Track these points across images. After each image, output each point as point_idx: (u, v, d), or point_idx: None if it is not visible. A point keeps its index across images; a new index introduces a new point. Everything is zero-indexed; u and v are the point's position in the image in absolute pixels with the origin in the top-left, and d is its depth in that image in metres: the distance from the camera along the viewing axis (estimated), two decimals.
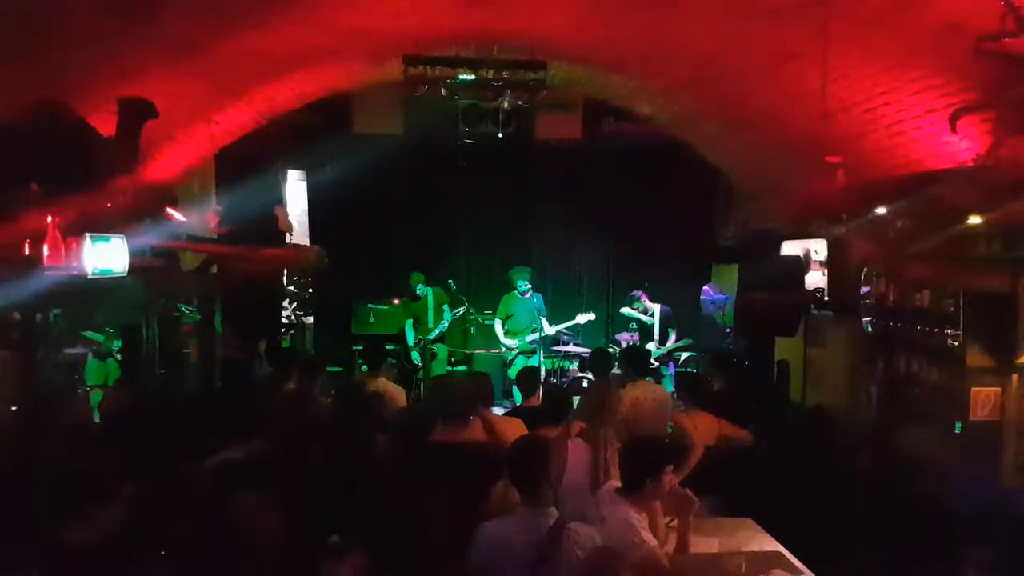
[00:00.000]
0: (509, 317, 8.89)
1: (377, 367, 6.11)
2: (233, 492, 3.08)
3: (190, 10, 4.94)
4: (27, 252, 4.30)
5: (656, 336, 8.84)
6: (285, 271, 9.31)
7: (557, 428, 4.43)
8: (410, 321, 9.21)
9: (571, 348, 9.12)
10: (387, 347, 8.56)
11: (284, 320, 9.44)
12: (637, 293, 9.01)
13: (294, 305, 9.80)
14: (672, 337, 8.85)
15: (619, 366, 8.35)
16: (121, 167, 4.95)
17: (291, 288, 9.76)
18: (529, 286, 8.81)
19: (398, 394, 5.87)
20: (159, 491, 3.30)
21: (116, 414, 5.44)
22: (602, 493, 3.69)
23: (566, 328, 8.99)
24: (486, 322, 9.57)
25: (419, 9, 5.83)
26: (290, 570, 3.00)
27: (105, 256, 4.39)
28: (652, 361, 8.37)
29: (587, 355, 8.36)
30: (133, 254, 4.79)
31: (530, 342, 8.76)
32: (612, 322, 10.36)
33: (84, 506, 3.24)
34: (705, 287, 9.37)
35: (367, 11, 5.77)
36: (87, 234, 4.25)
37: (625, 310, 9.09)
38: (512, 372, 8.52)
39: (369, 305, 9.95)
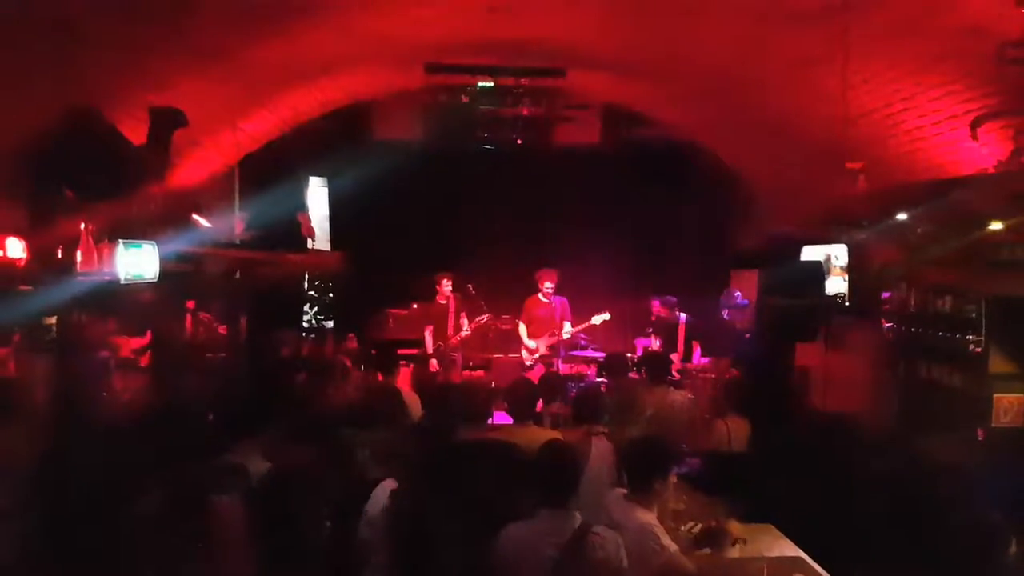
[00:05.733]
0: (531, 320, 8.93)
1: (389, 372, 6.13)
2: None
3: (219, 18, 5.05)
4: (60, 257, 4.41)
5: (680, 348, 8.83)
6: (306, 276, 9.42)
7: (578, 431, 4.45)
8: (430, 327, 9.20)
9: (589, 353, 9.13)
10: (407, 352, 8.61)
11: (305, 324, 9.53)
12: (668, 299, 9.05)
13: (315, 310, 9.90)
14: (697, 352, 8.82)
15: (637, 371, 8.37)
16: (151, 174, 5.06)
17: (312, 293, 9.86)
18: (552, 288, 8.83)
19: (413, 400, 5.88)
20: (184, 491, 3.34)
21: (144, 416, 5.52)
22: (611, 498, 3.68)
23: (582, 329, 8.99)
24: (504, 326, 9.60)
25: (441, 17, 5.91)
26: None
27: (137, 262, 4.49)
28: (673, 373, 8.34)
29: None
30: (160, 260, 4.90)
31: (549, 347, 8.78)
32: (631, 327, 10.37)
33: (115, 503, 3.32)
34: (735, 291, 9.33)
35: (390, 19, 5.86)
36: (120, 240, 4.34)
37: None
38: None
39: (388, 310, 10.02)
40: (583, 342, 9.23)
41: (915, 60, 5.09)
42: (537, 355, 8.84)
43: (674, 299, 9.10)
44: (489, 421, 4.69)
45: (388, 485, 3.49)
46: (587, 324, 8.93)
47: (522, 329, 8.99)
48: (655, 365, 6.30)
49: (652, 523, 3.43)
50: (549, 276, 8.82)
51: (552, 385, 5.71)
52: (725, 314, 9.02)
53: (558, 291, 8.98)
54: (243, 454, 3.79)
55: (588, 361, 9.15)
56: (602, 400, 4.82)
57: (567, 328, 8.80)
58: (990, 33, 4.20)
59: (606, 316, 8.95)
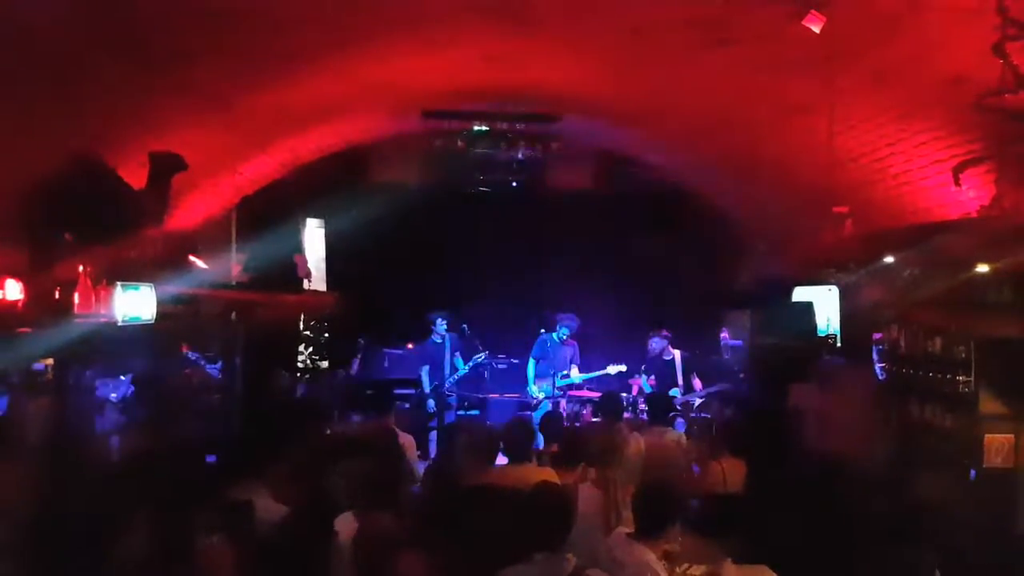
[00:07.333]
0: (541, 358, 8.98)
1: (383, 413, 6.13)
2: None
3: (219, 65, 5.15)
4: (58, 299, 4.45)
5: (680, 382, 8.86)
6: (302, 316, 9.44)
7: (572, 472, 4.46)
8: (426, 367, 9.27)
9: (585, 393, 9.16)
10: (401, 392, 8.64)
11: (299, 364, 9.52)
12: (663, 332, 9.07)
13: (310, 350, 9.89)
14: (697, 383, 8.86)
15: (632, 411, 8.38)
16: (151, 218, 5.12)
17: (307, 333, 9.86)
18: (568, 333, 8.92)
19: (408, 442, 5.87)
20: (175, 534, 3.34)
21: (136, 456, 5.51)
22: (614, 537, 3.70)
23: (596, 377, 9.04)
24: (499, 366, 9.63)
25: (439, 66, 6.05)
26: None
27: (134, 303, 4.53)
28: (676, 406, 8.37)
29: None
30: (157, 301, 4.94)
31: (558, 388, 8.82)
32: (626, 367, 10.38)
33: (108, 544, 3.32)
34: (723, 333, 9.37)
35: (389, 67, 5.99)
36: (119, 283, 4.39)
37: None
38: (537, 416, 8.56)
39: (384, 350, 10.04)
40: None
41: (899, 107, 5.21)
42: (542, 396, 8.90)
43: (668, 333, 9.15)
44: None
45: (348, 517, 3.51)
46: (602, 372, 9.00)
47: (531, 366, 9.05)
48: (658, 406, 6.35)
49: (652, 561, 3.44)
50: (570, 322, 8.90)
51: (553, 425, 5.74)
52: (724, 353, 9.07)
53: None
54: (246, 492, 3.80)
55: (584, 401, 9.17)
56: (586, 440, 4.84)
57: (575, 373, 8.87)
58: (972, 80, 4.31)
59: (622, 368, 9.01)
